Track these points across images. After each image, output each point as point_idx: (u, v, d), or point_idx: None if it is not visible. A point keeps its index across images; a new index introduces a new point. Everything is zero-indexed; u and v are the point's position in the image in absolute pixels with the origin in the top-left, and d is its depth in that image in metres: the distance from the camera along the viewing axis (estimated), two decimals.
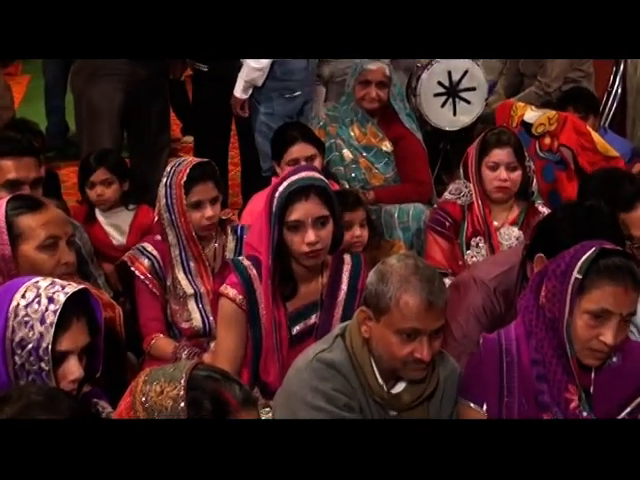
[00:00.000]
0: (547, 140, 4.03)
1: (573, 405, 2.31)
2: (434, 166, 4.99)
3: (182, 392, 1.55)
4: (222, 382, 1.60)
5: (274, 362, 2.78)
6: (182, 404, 1.53)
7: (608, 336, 2.23)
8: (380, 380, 2.31)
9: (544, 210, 3.73)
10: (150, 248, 3.22)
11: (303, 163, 3.62)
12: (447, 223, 3.65)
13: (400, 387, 2.34)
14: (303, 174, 2.79)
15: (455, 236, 3.66)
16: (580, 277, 2.24)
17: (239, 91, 4.45)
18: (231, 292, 2.80)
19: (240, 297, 2.79)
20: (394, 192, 4.18)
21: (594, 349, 2.27)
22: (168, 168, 3.19)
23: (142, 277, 3.17)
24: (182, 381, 1.56)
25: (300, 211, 2.71)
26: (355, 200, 3.44)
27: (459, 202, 3.67)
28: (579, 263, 2.25)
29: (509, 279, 2.80)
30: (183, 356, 3.03)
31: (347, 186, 4.06)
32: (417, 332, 2.22)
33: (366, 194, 4.08)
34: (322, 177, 2.84)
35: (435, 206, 3.93)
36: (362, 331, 2.31)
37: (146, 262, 3.19)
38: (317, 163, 3.70)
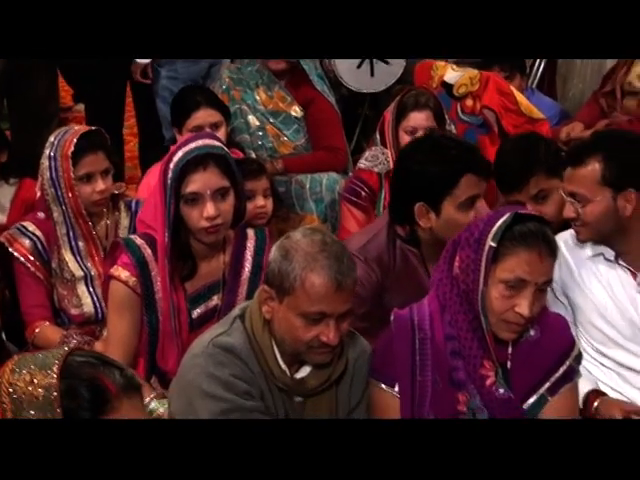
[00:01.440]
0: (469, 102, 4.08)
1: (489, 382, 2.39)
2: (353, 133, 5.02)
3: (55, 380, 1.52)
4: (100, 367, 1.58)
5: (173, 349, 2.78)
6: (55, 393, 1.51)
7: (523, 307, 2.30)
8: (283, 365, 2.33)
9: None
10: (32, 227, 3.20)
11: (207, 131, 3.62)
12: (363, 193, 3.70)
13: (305, 371, 2.36)
14: (200, 142, 2.79)
15: (372, 206, 3.72)
16: (494, 245, 2.31)
17: None
18: (123, 274, 2.79)
19: (133, 279, 2.79)
20: (305, 161, 4.20)
21: (510, 321, 2.34)
22: (52, 138, 3.16)
23: (22, 259, 3.15)
24: (55, 368, 1.53)
25: (198, 182, 2.71)
26: (257, 168, 3.45)
27: (376, 170, 3.72)
28: (493, 230, 2.32)
29: (378, 244, 2.90)
30: (72, 345, 3.03)
31: (254, 155, 4.07)
32: (324, 315, 2.23)
33: (274, 163, 4.11)
34: (221, 145, 2.85)
35: (350, 175, 3.97)
36: (263, 312, 2.31)
37: (27, 243, 3.16)
38: (222, 131, 3.71)
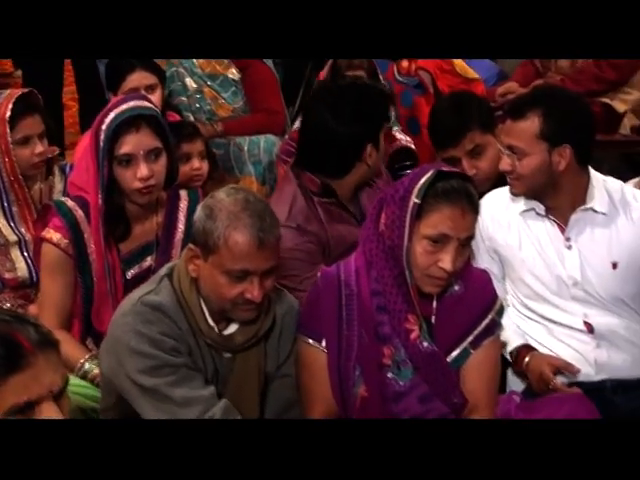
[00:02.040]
0: (405, 63, 4.11)
1: (413, 335, 2.44)
2: (296, 96, 5.04)
3: None
4: (13, 324, 1.59)
5: (108, 310, 2.79)
6: None
7: (446, 261, 2.36)
8: (210, 321, 2.37)
9: (402, 137, 3.86)
10: None
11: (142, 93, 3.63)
12: None
13: (233, 328, 2.40)
14: (132, 103, 2.81)
15: None
16: (418, 201, 2.36)
17: None
18: (54, 236, 2.82)
19: (65, 241, 2.81)
20: (243, 123, 4.22)
21: (433, 276, 2.39)
22: None
23: None
24: None
25: (130, 144, 2.74)
26: (192, 131, 3.46)
27: None
28: (417, 187, 2.37)
29: (301, 207, 2.96)
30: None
31: (192, 118, 4.08)
32: (247, 273, 2.27)
33: (214, 126, 4.13)
34: (153, 106, 2.88)
35: (287, 137, 4.00)
36: (190, 270, 2.34)
37: None
38: (157, 94, 3.70)
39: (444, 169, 2.43)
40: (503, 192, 2.98)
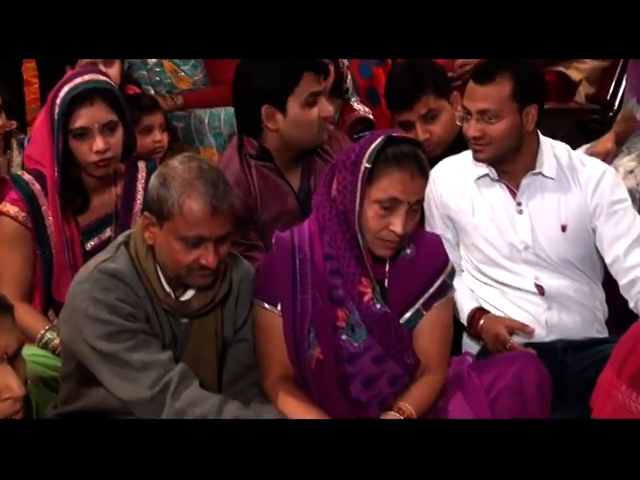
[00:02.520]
0: None
1: (367, 298, 2.50)
2: None
3: None
4: None
5: (68, 281, 2.76)
6: None
7: (397, 225, 2.42)
8: (167, 288, 2.40)
9: (360, 107, 3.89)
10: None
11: (102, 67, 3.63)
12: None
13: (190, 294, 2.43)
14: (86, 77, 2.85)
15: None
16: (369, 166, 2.41)
17: None
18: (12, 210, 2.86)
19: (23, 214, 2.85)
20: (204, 96, 4.17)
21: (384, 239, 2.45)
22: None
23: None
24: None
25: (85, 117, 2.78)
26: (151, 103, 3.49)
27: None
28: (367, 153, 2.42)
29: (234, 169, 2.97)
30: None
31: (152, 92, 4.07)
32: (202, 239, 2.30)
33: (174, 99, 4.14)
34: (107, 79, 2.91)
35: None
36: (146, 238, 2.37)
37: None
38: (116, 67, 3.68)
39: (394, 134, 2.48)
40: (455, 160, 3.04)
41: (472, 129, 2.84)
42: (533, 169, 2.90)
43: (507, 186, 2.93)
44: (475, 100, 2.85)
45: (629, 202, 2.92)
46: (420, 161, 2.44)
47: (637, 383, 2.06)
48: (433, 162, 3.15)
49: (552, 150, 2.94)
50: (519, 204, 2.92)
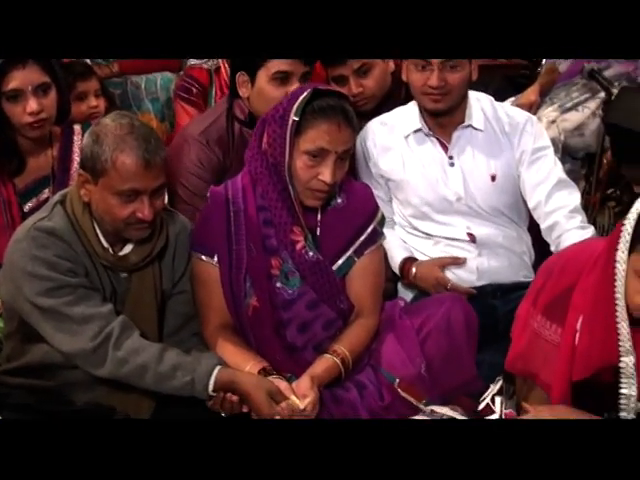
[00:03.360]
0: None
1: (299, 246, 2.58)
2: None
3: None
4: None
5: (6, 242, 2.75)
6: None
7: (326, 174, 2.50)
8: (105, 243, 2.44)
9: None
10: None
11: None
12: (194, 89, 3.78)
13: (128, 248, 2.49)
14: None
15: (204, 102, 3.79)
16: (297, 119, 2.48)
17: None
18: None
19: None
20: (139, 62, 4.15)
21: (314, 189, 2.53)
22: None
23: None
24: None
25: (18, 79, 2.80)
26: (85, 69, 3.51)
27: (205, 66, 3.80)
28: (295, 106, 2.49)
29: (219, 126, 3.03)
30: None
31: (87, 60, 4.10)
32: (137, 192, 2.35)
33: (110, 66, 4.15)
34: None
35: (182, 73, 4.06)
36: (81, 195, 2.41)
37: None
38: None
39: (320, 87, 2.56)
40: (384, 119, 3.09)
41: (436, 78, 2.83)
42: (462, 122, 2.97)
43: (439, 140, 2.99)
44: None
45: (551, 150, 3.01)
46: (346, 112, 2.51)
47: (550, 312, 2.20)
48: (366, 116, 3.24)
49: (478, 103, 3.01)
50: (451, 157, 2.99)
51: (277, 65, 2.90)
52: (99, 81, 3.59)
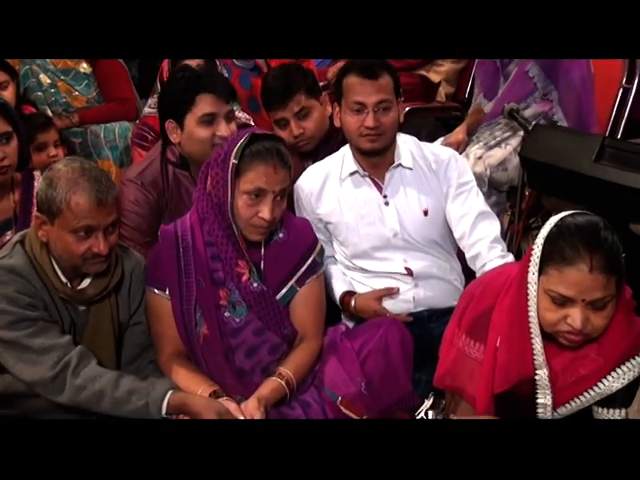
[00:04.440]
0: None
1: (244, 278, 2.61)
2: (151, 87, 5.07)
3: None
4: None
5: None
6: None
7: (265, 212, 2.54)
8: (64, 278, 2.47)
9: (242, 115, 3.99)
10: None
11: None
12: (149, 136, 3.78)
13: (86, 283, 2.51)
14: None
15: None
16: (236, 162, 2.53)
17: None
18: None
19: None
20: (99, 112, 4.23)
21: (255, 225, 2.57)
22: None
23: None
24: None
25: None
26: (44, 121, 3.54)
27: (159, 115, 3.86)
28: (234, 149, 2.54)
29: (153, 170, 3.06)
30: None
31: (49, 111, 4.09)
32: (91, 229, 2.39)
33: (70, 118, 4.18)
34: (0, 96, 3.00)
35: (138, 122, 4.10)
36: (39, 236, 2.43)
37: None
38: (10, 90, 3.74)
39: (257, 132, 2.61)
40: (318, 167, 3.12)
41: (371, 120, 2.86)
42: (393, 162, 3.01)
43: (373, 181, 3.02)
44: (371, 94, 2.87)
45: (473, 183, 3.05)
46: (281, 154, 2.56)
47: (472, 332, 2.26)
48: (307, 155, 3.33)
49: (405, 144, 3.05)
50: (385, 197, 3.01)
51: (202, 109, 2.94)
52: (58, 132, 3.62)
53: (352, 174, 3.03)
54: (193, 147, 2.97)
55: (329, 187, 3.05)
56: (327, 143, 3.37)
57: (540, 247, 2.08)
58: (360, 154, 3.00)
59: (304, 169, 3.18)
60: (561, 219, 2.09)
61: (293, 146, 3.30)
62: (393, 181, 3.02)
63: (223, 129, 2.95)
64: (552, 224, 2.09)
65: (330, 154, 3.17)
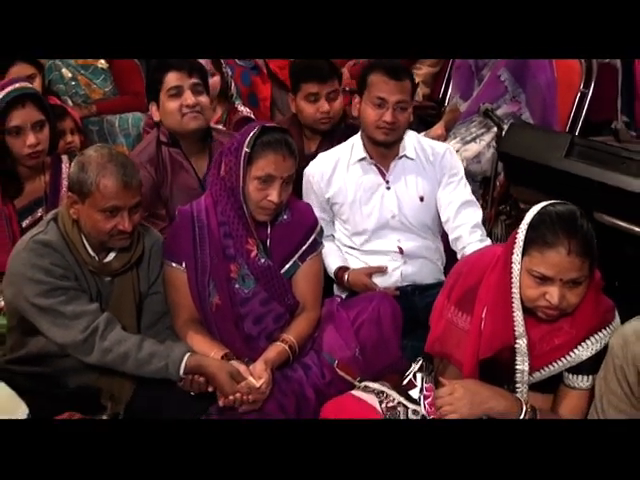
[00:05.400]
0: None
1: (253, 254, 2.59)
2: None
3: None
4: None
5: (8, 252, 2.75)
6: None
7: (274, 195, 2.52)
8: (92, 252, 2.43)
9: (243, 109, 3.96)
10: None
11: None
12: None
13: (111, 256, 2.48)
14: (17, 85, 2.88)
15: None
16: (248, 151, 2.50)
17: None
18: None
19: None
20: (114, 104, 4.17)
21: (264, 207, 2.55)
22: None
23: None
24: None
25: (19, 117, 2.81)
26: (61, 111, 3.46)
27: None
28: (247, 140, 2.51)
29: (150, 150, 3.03)
30: None
31: (70, 102, 4.05)
32: (117, 209, 2.36)
33: (89, 108, 4.13)
34: (32, 87, 2.95)
35: (149, 112, 4.04)
36: (71, 214, 2.40)
37: None
38: (37, 82, 3.68)
39: (267, 125, 2.58)
40: (327, 155, 3.08)
41: (389, 115, 2.84)
42: (398, 154, 2.99)
43: (378, 168, 2.99)
44: (393, 92, 2.86)
45: (462, 175, 3.04)
46: (289, 145, 2.53)
47: (461, 304, 2.24)
48: (322, 134, 3.37)
49: (409, 138, 3.03)
50: (387, 182, 2.99)
51: (169, 83, 2.93)
52: (74, 120, 3.56)
53: (360, 160, 3.00)
54: (168, 120, 2.97)
55: (338, 172, 3.02)
56: (332, 131, 3.38)
57: (524, 232, 2.07)
58: (372, 144, 2.98)
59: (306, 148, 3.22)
60: (543, 207, 2.08)
61: (316, 122, 3.34)
62: (396, 170, 3.00)
63: (189, 99, 2.93)
64: (535, 212, 2.08)
65: (332, 140, 3.20)
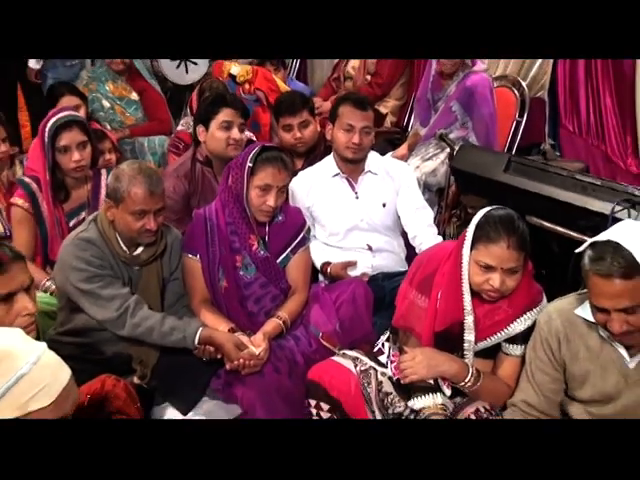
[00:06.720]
0: (247, 86, 4.09)
1: (254, 248, 2.55)
2: (181, 109, 4.92)
3: None
4: None
5: (58, 247, 2.71)
6: None
7: (271, 201, 2.49)
8: (124, 247, 2.40)
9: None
10: None
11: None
12: (181, 146, 3.72)
13: (139, 250, 2.44)
14: (66, 112, 2.84)
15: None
16: (251, 165, 2.47)
17: (33, 63, 4.29)
18: (19, 201, 2.81)
19: (26, 204, 2.80)
20: (144, 129, 4.18)
21: (263, 210, 2.51)
22: None
23: None
24: None
25: (67, 138, 2.77)
26: (101, 134, 3.42)
27: (188, 131, 3.75)
28: (250, 156, 2.48)
29: (185, 166, 3.00)
30: None
31: (108, 126, 4.03)
32: (145, 212, 2.32)
33: (123, 131, 4.11)
34: (79, 114, 2.91)
35: (172, 135, 4.02)
36: (107, 216, 2.37)
37: None
38: (82, 110, 3.65)
39: (266, 145, 2.55)
40: (308, 172, 3.02)
41: (357, 138, 2.82)
42: (364, 169, 2.96)
43: (349, 181, 2.96)
44: (360, 120, 2.82)
45: (415, 185, 3.01)
46: (284, 160, 2.51)
47: (421, 288, 2.21)
48: (299, 156, 3.32)
49: (372, 157, 2.99)
50: (356, 193, 2.96)
51: (223, 117, 2.92)
52: (111, 142, 3.53)
53: (334, 175, 2.97)
54: (212, 145, 2.94)
55: (316, 185, 2.98)
56: (313, 151, 3.34)
57: (472, 231, 2.05)
58: (343, 161, 2.94)
59: (294, 166, 3.15)
60: (487, 211, 2.06)
61: (292, 146, 3.30)
62: (363, 183, 2.97)
63: (235, 134, 2.93)
64: (481, 215, 2.06)
65: (314, 158, 3.16)
